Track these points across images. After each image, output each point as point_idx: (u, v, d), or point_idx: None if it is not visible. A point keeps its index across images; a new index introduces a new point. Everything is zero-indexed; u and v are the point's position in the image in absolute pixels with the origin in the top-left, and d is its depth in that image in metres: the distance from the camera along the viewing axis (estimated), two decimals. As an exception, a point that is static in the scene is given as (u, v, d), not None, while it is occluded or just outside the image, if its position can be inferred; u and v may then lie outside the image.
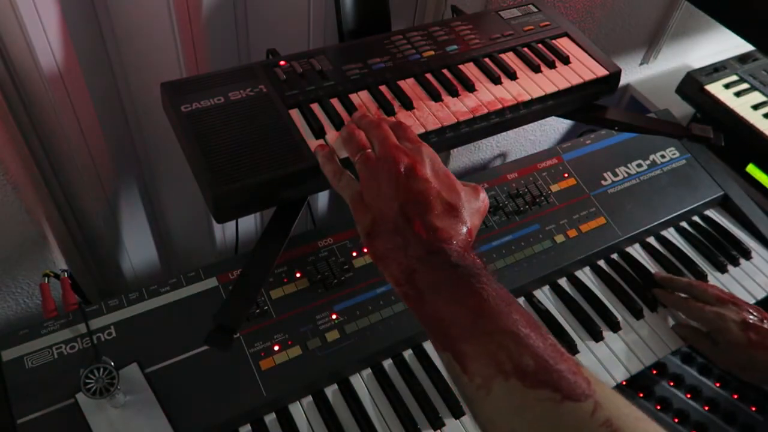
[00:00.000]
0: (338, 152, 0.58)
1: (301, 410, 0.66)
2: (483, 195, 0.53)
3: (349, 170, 0.55)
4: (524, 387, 0.39)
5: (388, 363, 0.71)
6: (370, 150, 0.53)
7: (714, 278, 0.86)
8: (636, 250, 0.88)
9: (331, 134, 0.61)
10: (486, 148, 1.24)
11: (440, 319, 0.44)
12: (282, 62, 0.67)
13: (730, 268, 0.88)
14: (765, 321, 0.74)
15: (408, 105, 0.66)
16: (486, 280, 0.45)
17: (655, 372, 0.79)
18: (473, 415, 0.43)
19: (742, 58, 1.22)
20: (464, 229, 0.48)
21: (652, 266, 0.86)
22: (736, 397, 0.78)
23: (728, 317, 0.74)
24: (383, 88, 0.68)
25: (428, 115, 0.65)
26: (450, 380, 0.46)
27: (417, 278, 0.46)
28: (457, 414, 0.67)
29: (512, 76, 0.71)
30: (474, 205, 0.51)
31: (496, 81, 0.70)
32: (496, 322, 0.42)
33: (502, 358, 0.40)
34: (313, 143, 0.60)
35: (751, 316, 0.74)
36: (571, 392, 0.38)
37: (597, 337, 0.77)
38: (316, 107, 0.64)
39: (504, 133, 0.98)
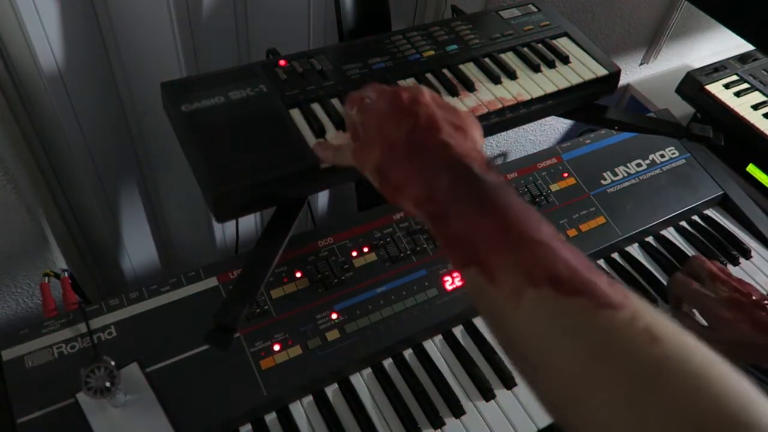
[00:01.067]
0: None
1: (301, 410, 0.66)
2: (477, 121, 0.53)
3: None
4: (558, 295, 0.36)
5: (388, 363, 0.71)
6: (368, 100, 0.52)
7: (714, 278, 0.86)
8: (636, 250, 0.88)
9: (332, 134, 0.61)
10: (486, 148, 1.24)
11: (467, 234, 0.42)
12: (282, 62, 0.67)
13: (729, 267, 0.88)
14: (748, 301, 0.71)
15: (408, 105, 0.66)
16: (513, 193, 0.43)
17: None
18: (497, 330, 0.40)
19: (742, 58, 1.22)
20: (477, 146, 0.48)
21: (651, 266, 0.86)
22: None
23: (712, 293, 0.72)
24: (383, 87, 0.67)
25: (428, 114, 0.65)
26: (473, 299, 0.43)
27: (439, 194, 0.44)
28: (458, 414, 0.67)
29: (512, 75, 0.71)
30: (478, 130, 0.50)
31: (496, 81, 0.70)
32: (527, 232, 0.40)
33: (534, 267, 0.38)
34: (314, 140, 0.60)
35: (737, 292, 0.72)
36: (607, 301, 0.35)
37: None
38: (316, 107, 0.64)
39: (504, 133, 0.98)
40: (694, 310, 0.77)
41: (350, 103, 0.53)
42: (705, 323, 0.75)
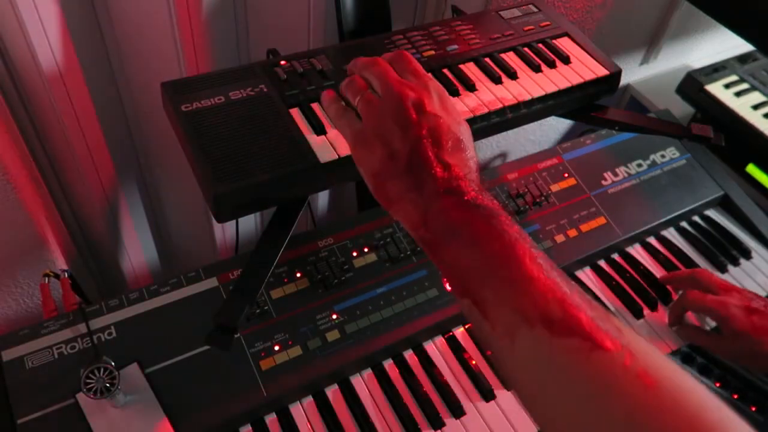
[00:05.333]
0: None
1: (301, 410, 0.66)
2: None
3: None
4: (551, 336, 0.36)
5: (388, 363, 0.71)
6: (369, 91, 0.50)
7: (714, 278, 0.86)
8: (636, 250, 0.88)
9: (332, 133, 0.61)
10: (486, 148, 1.24)
11: (460, 264, 0.42)
12: (282, 62, 0.67)
13: (730, 267, 0.88)
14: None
15: (408, 105, 0.66)
16: (507, 222, 0.42)
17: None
18: (498, 367, 0.40)
19: (742, 58, 1.22)
20: (472, 163, 0.47)
21: (652, 266, 0.86)
22: (736, 397, 0.78)
23: (731, 303, 0.72)
24: (383, 87, 0.67)
25: (428, 114, 0.65)
26: (478, 333, 0.42)
27: (435, 220, 0.43)
28: (457, 414, 0.67)
29: (513, 75, 0.71)
30: (470, 135, 0.50)
31: (497, 81, 0.70)
32: (519, 267, 0.39)
33: (526, 305, 0.37)
34: (314, 140, 0.60)
35: (754, 302, 0.73)
36: (601, 341, 0.35)
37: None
38: (316, 107, 0.64)
39: (504, 133, 0.98)
40: (704, 322, 0.78)
41: (352, 90, 0.52)
42: (709, 331, 0.76)
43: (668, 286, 0.83)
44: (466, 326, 0.75)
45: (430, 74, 0.51)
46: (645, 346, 0.35)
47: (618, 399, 0.33)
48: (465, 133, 0.49)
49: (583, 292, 0.39)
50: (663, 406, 0.32)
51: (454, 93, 0.68)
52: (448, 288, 0.74)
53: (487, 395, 0.68)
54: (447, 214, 0.43)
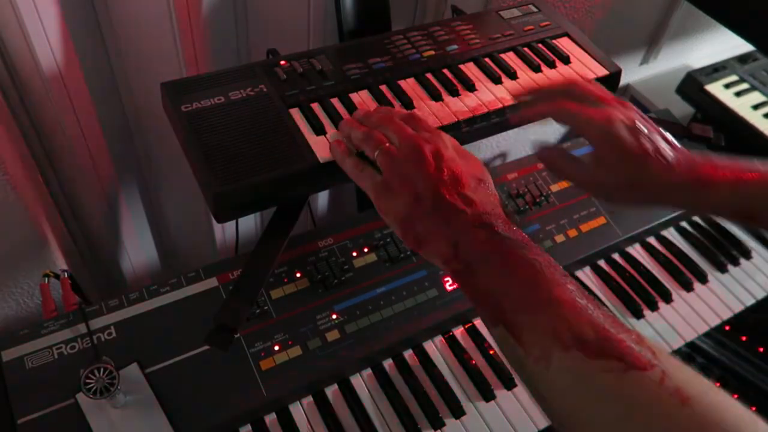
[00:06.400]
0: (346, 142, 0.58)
1: (301, 410, 0.66)
2: None
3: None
4: (586, 357, 0.37)
5: (388, 363, 0.71)
6: (389, 144, 0.52)
7: (714, 278, 0.86)
8: (636, 250, 0.88)
9: (332, 133, 0.61)
10: (486, 148, 1.24)
11: (492, 292, 0.43)
12: (282, 62, 0.67)
13: (730, 267, 0.88)
14: (650, 129, 0.57)
15: (408, 105, 0.66)
16: (537, 251, 0.44)
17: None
18: (532, 390, 0.41)
19: (742, 58, 1.22)
20: (496, 199, 0.49)
21: (652, 266, 0.86)
22: (736, 397, 0.78)
23: (617, 118, 0.55)
24: (383, 87, 0.68)
25: (429, 114, 0.65)
26: (503, 357, 0.45)
27: (465, 252, 0.45)
28: (457, 414, 0.67)
29: (513, 75, 0.71)
30: (489, 176, 0.52)
31: (497, 81, 0.70)
32: (551, 292, 0.40)
33: (560, 329, 0.38)
34: (314, 140, 0.60)
35: (639, 121, 0.57)
36: (635, 361, 0.36)
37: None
38: (316, 107, 0.64)
39: (504, 133, 0.98)
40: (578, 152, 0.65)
41: (371, 144, 0.53)
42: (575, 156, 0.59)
43: (531, 110, 0.61)
44: (466, 326, 0.75)
45: (441, 131, 0.54)
46: (678, 365, 0.36)
47: (656, 417, 0.34)
48: (484, 174, 0.51)
49: (615, 316, 0.40)
50: (700, 422, 0.33)
51: (454, 93, 0.68)
52: (448, 288, 0.74)
53: (487, 395, 0.69)
54: (479, 245, 0.45)
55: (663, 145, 0.55)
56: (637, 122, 0.56)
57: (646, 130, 0.55)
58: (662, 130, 0.57)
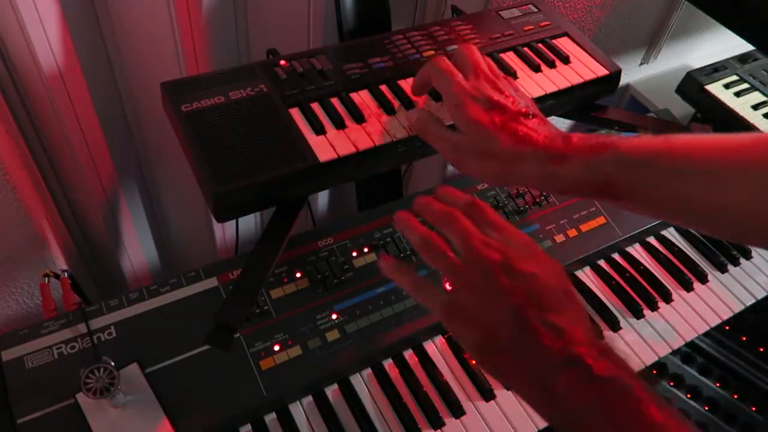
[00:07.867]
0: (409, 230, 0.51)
1: (301, 410, 0.66)
2: None
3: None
4: None
5: (388, 363, 0.71)
6: (452, 254, 0.46)
7: (714, 278, 0.86)
8: (636, 250, 0.88)
9: (332, 133, 0.61)
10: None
11: None
12: (282, 62, 0.67)
13: (730, 267, 0.88)
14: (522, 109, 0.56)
15: (409, 104, 0.66)
16: (644, 396, 0.38)
17: (655, 372, 0.79)
18: None
19: (742, 58, 1.22)
20: (586, 317, 0.43)
21: (652, 266, 0.86)
22: (736, 397, 0.78)
23: (471, 87, 0.55)
24: (384, 87, 0.67)
25: (428, 114, 0.65)
26: None
27: (563, 401, 0.39)
28: (457, 414, 0.67)
29: (512, 75, 0.71)
30: (570, 280, 0.45)
31: (497, 81, 0.70)
32: None
33: None
34: (314, 140, 0.60)
35: (523, 105, 0.56)
36: None
37: (597, 336, 0.76)
38: (316, 107, 0.64)
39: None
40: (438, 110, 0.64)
41: (432, 254, 0.47)
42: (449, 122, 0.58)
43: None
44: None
45: (512, 226, 0.47)
46: None
47: None
48: (567, 282, 0.44)
49: None
50: None
51: (454, 93, 0.68)
52: (449, 288, 0.74)
53: (487, 395, 0.68)
54: (576, 395, 0.39)
55: (519, 125, 0.52)
56: (497, 100, 0.53)
57: (506, 108, 0.53)
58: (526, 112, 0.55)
